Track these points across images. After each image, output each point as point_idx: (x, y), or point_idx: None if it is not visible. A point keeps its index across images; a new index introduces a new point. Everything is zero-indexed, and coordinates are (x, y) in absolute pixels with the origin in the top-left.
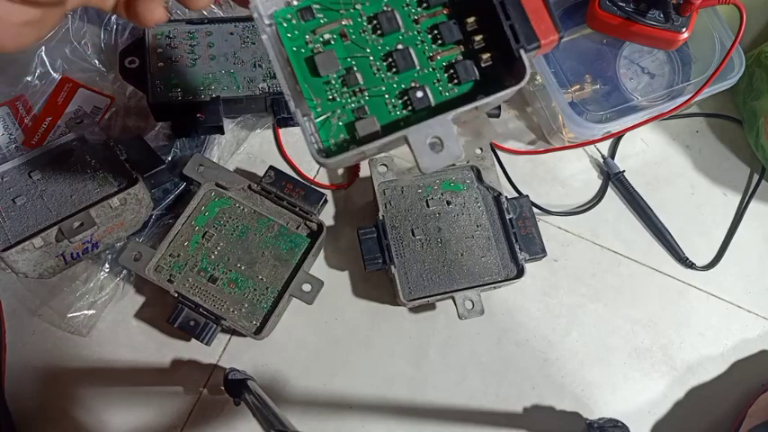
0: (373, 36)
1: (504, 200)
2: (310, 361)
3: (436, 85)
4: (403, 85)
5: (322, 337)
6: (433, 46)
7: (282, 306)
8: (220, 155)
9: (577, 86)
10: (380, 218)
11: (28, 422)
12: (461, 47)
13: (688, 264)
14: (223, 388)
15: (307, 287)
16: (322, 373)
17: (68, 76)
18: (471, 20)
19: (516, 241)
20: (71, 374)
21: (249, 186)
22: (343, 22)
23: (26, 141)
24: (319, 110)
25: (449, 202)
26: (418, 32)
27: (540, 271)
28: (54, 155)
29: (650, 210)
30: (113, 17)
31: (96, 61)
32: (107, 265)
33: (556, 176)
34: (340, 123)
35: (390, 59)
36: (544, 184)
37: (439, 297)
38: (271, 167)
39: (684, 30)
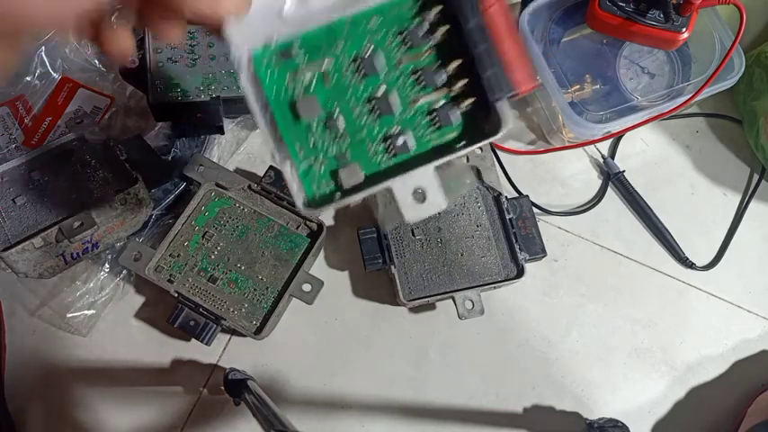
0: (355, 77)
1: (504, 200)
2: (310, 361)
3: (417, 130)
4: (385, 130)
5: (322, 337)
6: (416, 89)
7: (282, 306)
8: (220, 155)
9: (577, 86)
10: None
11: (28, 422)
12: (444, 90)
13: (688, 264)
14: (223, 388)
15: (307, 287)
16: (322, 373)
17: (68, 76)
18: (454, 65)
19: (516, 241)
20: (71, 374)
21: (249, 186)
22: (325, 63)
23: (26, 141)
24: (301, 156)
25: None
26: (401, 75)
27: (540, 271)
28: (54, 155)
29: (650, 210)
30: (113, 17)
31: (96, 61)
32: (107, 265)
33: (556, 176)
34: (322, 171)
35: (372, 103)
36: (544, 184)
37: (439, 297)
38: (271, 167)
39: (684, 30)
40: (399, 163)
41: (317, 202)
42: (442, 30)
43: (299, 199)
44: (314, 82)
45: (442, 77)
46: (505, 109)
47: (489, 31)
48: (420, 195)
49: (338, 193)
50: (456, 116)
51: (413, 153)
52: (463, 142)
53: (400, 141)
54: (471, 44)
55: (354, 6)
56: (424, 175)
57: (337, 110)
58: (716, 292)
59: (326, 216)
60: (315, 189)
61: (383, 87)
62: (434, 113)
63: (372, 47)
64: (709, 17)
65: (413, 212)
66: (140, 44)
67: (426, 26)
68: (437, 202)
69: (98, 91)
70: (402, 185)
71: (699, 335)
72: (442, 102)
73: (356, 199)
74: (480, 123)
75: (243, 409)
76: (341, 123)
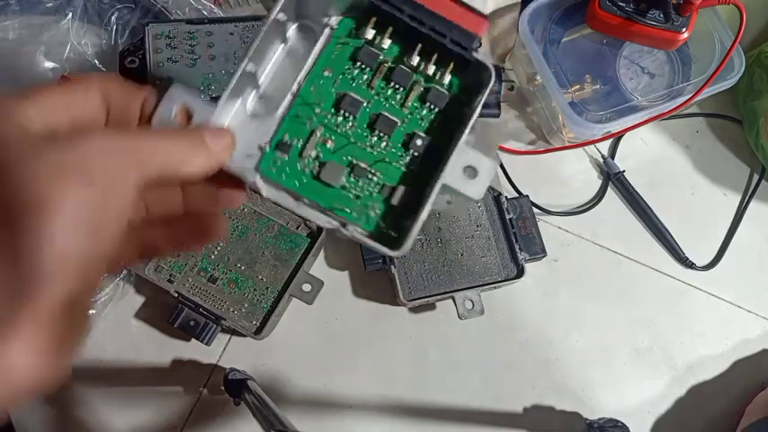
0: (348, 122)
1: (504, 200)
2: (310, 361)
3: (424, 123)
4: (399, 144)
5: (322, 337)
6: (399, 94)
7: (282, 306)
8: None
9: (577, 86)
10: None
11: (27, 422)
12: (422, 79)
13: (688, 264)
14: (223, 388)
15: (307, 287)
16: (322, 373)
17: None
18: (416, 58)
19: (516, 241)
20: (71, 374)
21: (249, 186)
22: (319, 134)
23: None
24: (355, 214)
25: (449, 202)
26: (379, 94)
27: (540, 271)
28: None
29: (650, 210)
30: (113, 17)
31: (96, 61)
32: None
33: (556, 176)
34: (378, 212)
35: (376, 132)
36: (544, 184)
37: (439, 297)
38: None
39: (684, 30)
40: (432, 161)
41: (399, 241)
42: (387, 35)
43: (387, 251)
44: (320, 153)
45: (413, 70)
46: (481, 55)
47: (425, 8)
48: (470, 171)
49: (407, 222)
50: (447, 82)
51: (433, 143)
52: (467, 102)
53: (419, 142)
54: (418, 28)
55: (301, 71)
56: (461, 153)
57: (352, 159)
58: (716, 292)
59: None
60: (386, 233)
61: (373, 114)
62: (427, 100)
63: (343, 92)
64: (709, 17)
65: (475, 188)
66: (140, 44)
67: (371, 46)
68: (486, 165)
69: None
70: (448, 174)
71: (699, 335)
72: (425, 87)
73: (423, 215)
74: (469, 81)
75: (243, 410)
76: (363, 165)
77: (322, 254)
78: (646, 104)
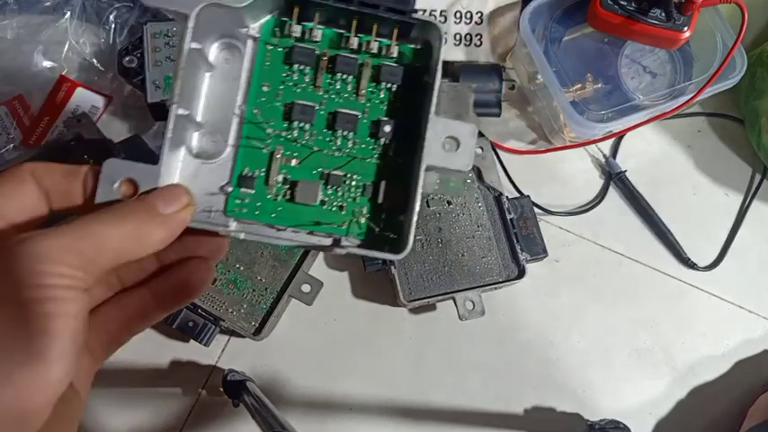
0: (305, 134)
1: (505, 200)
2: (310, 362)
3: (383, 105)
4: (367, 136)
5: (322, 337)
6: (350, 85)
7: (281, 307)
8: None
9: (579, 86)
10: None
11: None
12: (368, 59)
13: (690, 264)
14: (222, 389)
15: (306, 288)
16: (321, 374)
17: (67, 76)
18: (355, 39)
19: (517, 241)
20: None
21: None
22: (278, 155)
23: (24, 141)
24: (344, 226)
25: (449, 202)
26: (329, 90)
27: (542, 271)
28: (52, 154)
29: (652, 210)
30: (111, 16)
31: (95, 60)
32: None
33: (557, 176)
34: (367, 215)
35: (339, 131)
36: (545, 184)
37: (439, 298)
38: None
39: (686, 29)
40: (408, 144)
41: (399, 241)
42: (315, 25)
43: (391, 256)
44: (287, 175)
45: (356, 55)
46: (424, 17)
47: None
48: (451, 143)
49: (400, 218)
50: (396, 53)
51: (402, 124)
52: (425, 69)
53: (387, 128)
54: (346, 7)
55: (238, 93)
56: (435, 127)
57: (323, 169)
58: (717, 292)
59: None
60: (382, 235)
61: (330, 115)
62: (381, 79)
63: (290, 102)
64: (711, 16)
65: (460, 160)
66: (138, 42)
67: (302, 42)
68: (465, 130)
69: (96, 90)
70: (429, 153)
71: (700, 335)
72: (376, 64)
73: (416, 206)
74: (421, 45)
75: (242, 411)
76: (337, 172)
77: (321, 254)
78: (647, 104)
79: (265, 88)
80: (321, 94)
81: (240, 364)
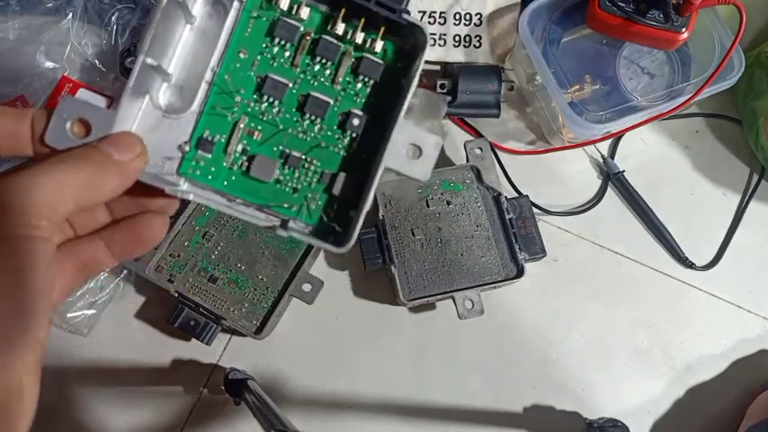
0: (273, 109)
1: (503, 200)
2: (310, 361)
3: (359, 99)
4: (335, 127)
5: (322, 337)
6: (327, 72)
7: (282, 306)
8: None
9: (577, 86)
10: (380, 218)
11: None
12: (351, 49)
13: (688, 264)
14: (223, 388)
15: (307, 287)
16: (322, 372)
17: (68, 77)
18: (342, 25)
19: (516, 241)
20: (71, 374)
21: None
22: (242, 125)
23: None
24: (294, 209)
25: (449, 202)
26: (304, 73)
27: (540, 271)
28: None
29: (650, 210)
30: (113, 17)
31: (97, 61)
32: None
33: (556, 176)
34: (320, 203)
35: (306, 116)
36: (544, 184)
37: (439, 297)
38: None
39: (684, 30)
40: (372, 141)
41: (344, 235)
42: (304, 2)
43: (332, 248)
44: (247, 146)
45: (338, 42)
46: (412, 19)
47: None
48: (413, 150)
49: (352, 211)
50: (379, 49)
51: (371, 121)
52: (404, 71)
53: (356, 122)
54: None
55: (213, 55)
56: (402, 131)
57: (284, 148)
58: (715, 291)
59: None
60: (329, 226)
61: (301, 96)
62: (360, 72)
63: (264, 75)
64: (709, 17)
65: (420, 169)
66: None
67: (287, 17)
68: (430, 141)
69: (98, 91)
70: (390, 155)
71: (698, 335)
72: (357, 56)
73: (368, 199)
74: (404, 47)
75: (243, 409)
76: (297, 154)
77: (322, 254)
78: (645, 104)
79: (242, 55)
80: (297, 72)
81: (241, 363)
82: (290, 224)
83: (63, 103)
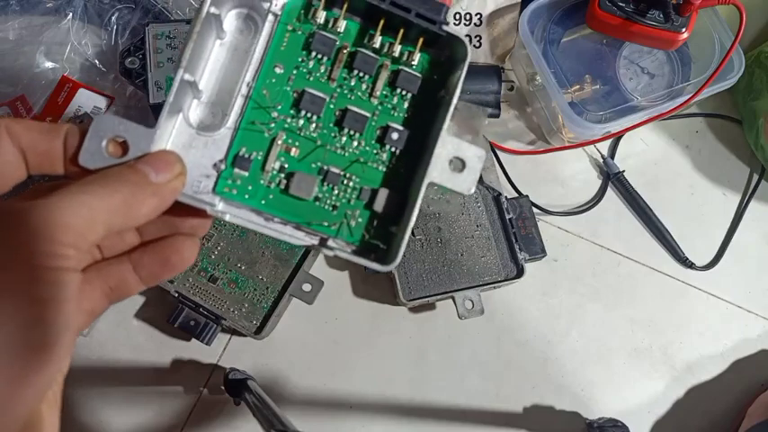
0: (311, 125)
1: (503, 200)
2: (310, 361)
3: (398, 113)
4: (373, 142)
5: (322, 337)
6: (364, 86)
7: (282, 306)
8: None
9: (577, 86)
10: None
11: None
12: (388, 62)
13: (688, 264)
14: (223, 388)
15: (307, 287)
16: (322, 372)
17: (68, 76)
18: (379, 38)
19: (516, 241)
20: (71, 374)
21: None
22: (280, 141)
23: None
24: (335, 227)
25: (449, 202)
26: (341, 87)
27: (540, 271)
28: None
29: (650, 210)
30: (113, 17)
31: (96, 61)
32: None
33: (556, 176)
34: (360, 220)
35: (344, 131)
36: (544, 185)
37: (439, 297)
38: None
39: (684, 30)
40: (412, 156)
41: (389, 253)
42: (342, 16)
43: (378, 267)
44: (285, 163)
45: (376, 54)
46: (453, 28)
47: None
48: (457, 163)
49: (393, 227)
50: (417, 62)
51: (411, 135)
52: (443, 84)
53: (395, 136)
54: (378, 5)
55: (248, 70)
56: (444, 144)
57: (323, 164)
58: (715, 291)
59: None
60: (373, 243)
61: (338, 111)
62: (397, 85)
63: (300, 89)
64: (709, 17)
65: (464, 183)
66: (140, 44)
67: (324, 31)
68: (473, 153)
69: (98, 91)
70: (434, 169)
71: (698, 335)
72: (394, 69)
73: (411, 217)
74: (443, 59)
75: (243, 409)
76: (336, 170)
77: (322, 254)
78: (645, 104)
79: (278, 70)
80: (334, 87)
81: (241, 363)
82: (330, 242)
83: (99, 120)
